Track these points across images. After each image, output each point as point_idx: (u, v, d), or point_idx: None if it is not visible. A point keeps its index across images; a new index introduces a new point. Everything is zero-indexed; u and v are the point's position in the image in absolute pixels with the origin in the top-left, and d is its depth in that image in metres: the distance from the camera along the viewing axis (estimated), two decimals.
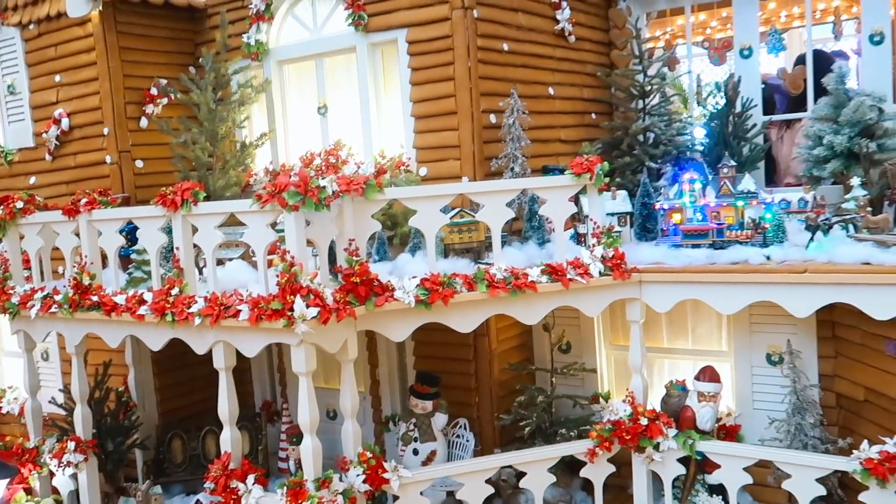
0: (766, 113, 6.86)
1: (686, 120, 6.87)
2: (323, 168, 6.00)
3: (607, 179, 5.05)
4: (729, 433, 5.32)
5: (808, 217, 5.10)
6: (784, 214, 5.40)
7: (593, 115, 7.04)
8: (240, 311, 4.37)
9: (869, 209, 5.11)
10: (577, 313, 5.47)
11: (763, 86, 6.96)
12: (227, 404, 4.78)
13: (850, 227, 4.89)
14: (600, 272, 4.89)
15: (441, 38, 5.61)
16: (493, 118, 5.73)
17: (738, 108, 6.46)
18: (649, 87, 6.69)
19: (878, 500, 4.43)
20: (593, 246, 4.97)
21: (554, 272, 4.82)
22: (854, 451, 4.49)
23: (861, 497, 4.49)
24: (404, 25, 5.79)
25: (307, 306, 4.18)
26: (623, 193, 5.69)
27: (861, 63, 6.54)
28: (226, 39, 6.16)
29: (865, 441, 4.48)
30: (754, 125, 6.49)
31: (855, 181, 5.28)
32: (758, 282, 4.66)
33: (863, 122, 5.59)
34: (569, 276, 4.82)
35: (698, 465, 5.17)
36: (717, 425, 5.32)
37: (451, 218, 5.16)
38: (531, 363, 6.12)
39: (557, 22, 6.52)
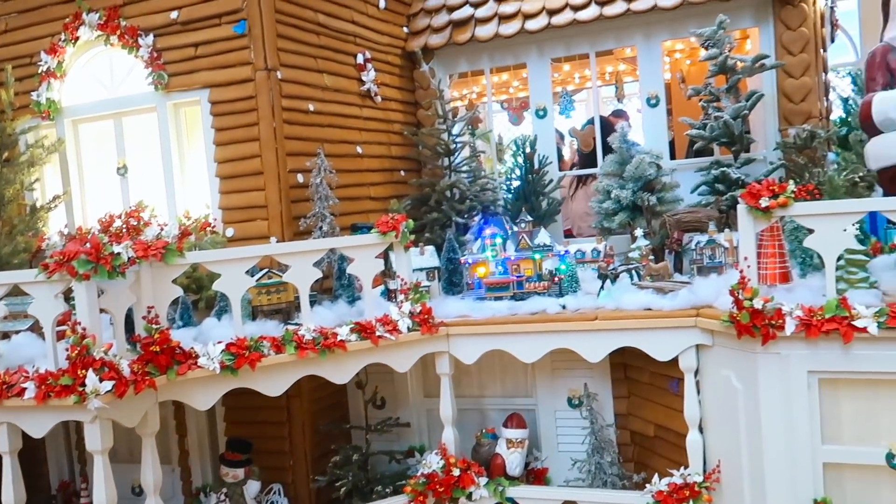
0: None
1: (489, 176, 7.19)
2: (123, 230, 5.75)
3: (413, 237, 5.19)
4: (537, 477, 5.54)
5: (600, 266, 5.49)
6: (579, 264, 5.78)
7: (402, 173, 7.23)
8: (25, 388, 4.08)
9: (651, 258, 5.58)
10: (390, 368, 5.53)
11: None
12: (12, 492, 4.40)
13: (635, 274, 5.30)
14: (409, 328, 4.99)
15: (245, 98, 5.59)
16: (300, 178, 5.75)
17: (536, 165, 6.86)
18: (454, 146, 6.98)
19: None
20: (401, 302, 5.07)
21: (363, 330, 4.87)
22: (647, 484, 4.83)
23: None
24: (207, 86, 5.73)
25: (101, 380, 3.97)
26: (431, 249, 5.86)
27: (642, 123, 7.14)
28: (11, 98, 5.81)
29: (656, 475, 4.82)
30: (551, 180, 6.90)
31: (638, 232, 5.75)
32: (555, 330, 4.92)
33: (644, 177, 6.09)
34: (378, 334, 4.88)
35: None
36: (525, 470, 5.55)
37: (258, 279, 5.10)
38: (346, 421, 6.09)
39: (363, 83, 6.68)
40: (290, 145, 5.69)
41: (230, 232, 5.69)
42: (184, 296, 4.87)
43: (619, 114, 8.49)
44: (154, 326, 4.36)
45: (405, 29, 7.47)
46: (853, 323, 3.99)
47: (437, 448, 5.29)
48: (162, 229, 5.60)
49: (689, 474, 4.71)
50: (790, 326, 4.11)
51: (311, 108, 5.96)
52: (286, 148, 5.64)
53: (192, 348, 4.50)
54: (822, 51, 6.66)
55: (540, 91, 7.31)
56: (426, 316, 5.05)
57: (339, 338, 4.77)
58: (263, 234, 5.58)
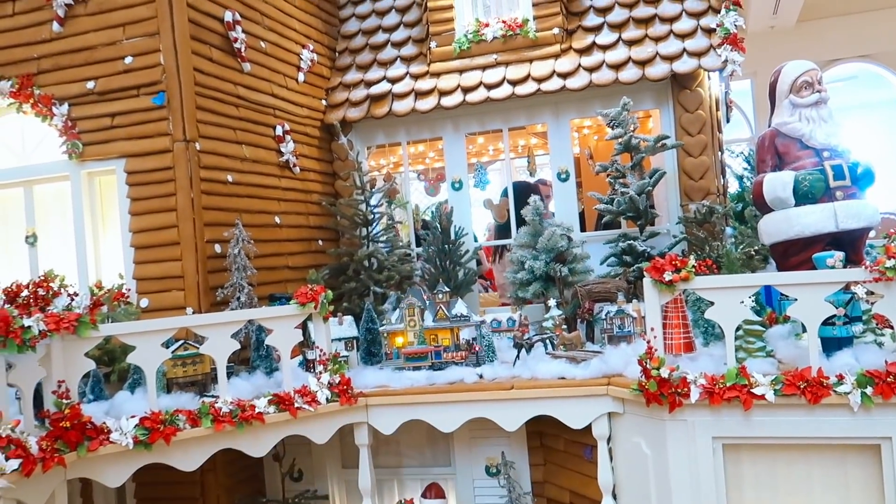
0: None
1: (407, 247, 7.33)
2: (31, 300, 5.60)
3: (332, 307, 5.24)
4: None
5: (515, 335, 5.65)
6: (496, 334, 5.93)
7: (320, 242, 7.29)
8: None
9: (564, 327, 5.78)
10: (307, 439, 5.49)
11: None
12: None
13: (549, 344, 5.47)
14: (327, 399, 5.00)
15: (162, 169, 5.59)
16: (218, 248, 5.74)
17: (452, 236, 7.03)
18: (371, 216, 7.10)
19: None
20: (320, 373, 5.08)
21: (281, 402, 4.85)
22: None
23: None
24: (123, 155, 5.71)
25: (7, 458, 3.83)
26: (349, 319, 5.91)
27: (553, 196, 7.44)
28: None
29: None
30: (467, 251, 7.07)
31: (552, 302, 5.95)
32: (473, 399, 5.02)
33: (556, 248, 6.33)
34: (296, 405, 4.87)
35: None
36: None
37: (173, 351, 5.04)
38: (262, 495, 5.98)
39: (282, 154, 6.76)
40: (208, 216, 5.69)
41: (144, 302, 5.60)
42: (95, 369, 4.77)
43: (544, 182, 8.80)
44: (64, 401, 4.25)
45: (324, 102, 7.62)
46: (752, 391, 4.23)
47: None
48: (73, 299, 5.49)
49: None
50: (695, 394, 4.32)
51: (230, 178, 5.99)
52: (204, 218, 5.64)
53: (104, 423, 4.39)
54: (717, 132, 7.12)
55: (455, 164, 7.55)
56: (345, 387, 5.08)
57: (256, 410, 4.74)
58: (179, 304, 5.52)
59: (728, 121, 9.19)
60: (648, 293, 4.50)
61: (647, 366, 4.41)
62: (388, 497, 5.93)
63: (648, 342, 4.47)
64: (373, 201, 7.10)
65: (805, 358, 4.34)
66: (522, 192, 7.91)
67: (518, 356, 5.32)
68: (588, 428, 4.89)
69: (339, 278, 6.88)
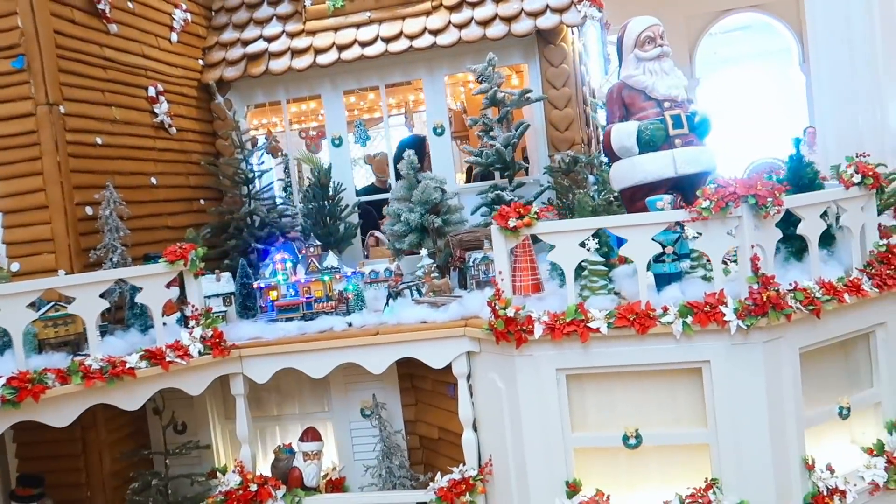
0: None
1: (288, 203, 7.49)
2: None
3: (203, 264, 5.39)
4: (336, 485, 5.84)
5: (389, 285, 5.94)
6: (374, 284, 6.21)
7: (202, 201, 7.36)
8: None
9: (436, 275, 6.07)
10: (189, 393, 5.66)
11: None
12: None
13: (415, 291, 5.77)
14: (200, 352, 5.19)
15: (26, 133, 5.56)
16: (89, 210, 5.79)
17: (331, 192, 7.22)
18: (252, 175, 7.22)
19: None
20: (192, 328, 5.26)
21: (153, 356, 5.01)
22: (431, 483, 5.28)
23: None
24: None
25: None
26: (227, 275, 6.07)
27: (431, 149, 7.69)
28: None
29: (440, 473, 5.28)
30: (347, 206, 7.27)
31: (423, 252, 6.23)
32: (341, 346, 5.28)
33: (430, 201, 6.59)
34: (168, 359, 5.05)
35: None
36: (324, 480, 5.85)
37: (44, 312, 5.13)
38: (148, 448, 6.14)
39: (156, 115, 6.79)
40: (77, 178, 5.72)
41: (16, 266, 5.62)
42: None
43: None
44: None
45: (200, 62, 7.64)
46: (588, 325, 4.62)
47: (234, 466, 5.49)
48: None
49: (465, 470, 5.19)
50: (538, 330, 4.68)
51: (100, 141, 6.01)
52: (73, 181, 5.67)
53: None
54: (581, 84, 7.46)
55: (335, 121, 7.71)
56: (217, 340, 5.27)
57: (127, 365, 4.89)
58: (52, 267, 5.56)
59: (607, 73, 9.60)
60: (496, 239, 4.83)
61: (496, 306, 4.75)
62: (271, 442, 6.17)
63: (496, 285, 4.80)
64: (252, 160, 7.22)
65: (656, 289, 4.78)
66: (419, 145, 8.14)
67: (387, 303, 5.61)
68: (449, 367, 5.22)
69: (221, 236, 7.02)
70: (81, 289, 4.90)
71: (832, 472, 4.80)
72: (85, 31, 6.01)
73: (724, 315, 4.44)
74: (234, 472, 5.45)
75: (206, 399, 6.09)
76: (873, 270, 4.95)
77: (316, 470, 5.60)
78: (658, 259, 4.89)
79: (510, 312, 4.70)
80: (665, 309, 4.57)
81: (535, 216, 4.74)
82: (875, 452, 5.03)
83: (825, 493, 4.67)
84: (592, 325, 4.61)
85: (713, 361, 4.55)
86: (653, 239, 4.80)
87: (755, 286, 4.45)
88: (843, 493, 4.73)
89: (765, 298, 4.39)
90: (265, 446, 6.10)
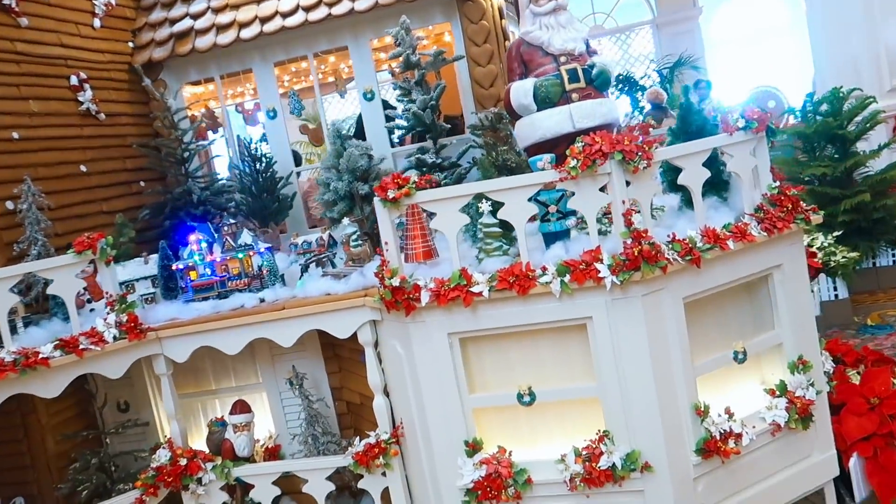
0: None
1: (223, 179, 7.60)
2: None
3: (114, 252, 5.54)
4: (272, 454, 6.06)
5: (309, 257, 6.03)
6: (307, 254, 6.28)
7: (141, 183, 7.50)
8: None
9: (357, 243, 6.14)
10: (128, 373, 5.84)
11: None
12: None
13: (329, 263, 5.87)
14: (115, 337, 5.36)
15: None
16: (10, 205, 5.95)
17: (264, 166, 7.30)
18: (187, 153, 7.33)
19: (371, 484, 5.43)
20: (107, 314, 5.43)
21: (66, 345, 5.20)
22: (349, 447, 5.46)
23: (360, 484, 5.47)
24: None
25: None
26: (154, 257, 6.23)
27: (362, 115, 7.71)
28: None
29: (357, 438, 5.45)
30: (281, 178, 7.35)
31: (345, 220, 6.30)
32: (252, 323, 5.43)
33: (357, 168, 6.64)
34: (82, 347, 5.23)
35: (244, 489, 5.84)
36: (262, 448, 6.06)
37: None
38: (96, 428, 6.39)
39: (81, 103, 6.90)
40: None
41: None
42: None
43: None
44: None
45: (131, 44, 7.70)
46: (471, 289, 4.69)
47: (163, 442, 5.71)
48: None
49: (379, 434, 5.35)
50: (425, 298, 4.77)
51: (16, 135, 6.14)
52: None
53: None
54: (504, 40, 7.40)
55: (267, 94, 7.76)
56: (133, 324, 5.44)
57: (41, 356, 5.08)
58: None
59: None
60: (378, 210, 4.90)
61: (382, 276, 4.84)
62: (212, 415, 6.38)
63: (382, 255, 4.89)
64: (186, 139, 7.32)
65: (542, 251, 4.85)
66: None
67: (301, 276, 5.73)
68: (356, 336, 5.35)
69: (159, 217, 7.17)
70: None
71: (730, 415, 4.88)
72: None
73: (600, 272, 4.48)
74: (163, 448, 5.67)
75: (145, 377, 6.31)
76: (762, 215, 4.94)
77: (246, 440, 5.80)
78: (544, 218, 4.93)
79: (396, 282, 4.79)
80: (544, 269, 4.62)
81: (414, 186, 4.79)
82: (777, 393, 5.08)
83: (718, 438, 4.75)
84: (475, 289, 4.68)
85: (595, 317, 4.62)
86: (537, 199, 4.84)
87: (629, 241, 4.48)
88: (738, 436, 4.82)
89: (636, 253, 4.42)
90: (203, 419, 6.32)
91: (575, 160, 4.48)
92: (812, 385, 5.09)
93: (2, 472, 5.86)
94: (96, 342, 5.29)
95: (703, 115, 5.17)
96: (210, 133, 8.44)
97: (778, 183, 5.05)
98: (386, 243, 4.92)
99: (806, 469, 5.21)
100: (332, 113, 10.36)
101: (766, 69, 15.53)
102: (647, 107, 11.41)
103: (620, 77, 14.48)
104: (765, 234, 4.88)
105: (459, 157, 6.78)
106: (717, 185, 5.16)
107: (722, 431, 4.78)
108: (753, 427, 4.93)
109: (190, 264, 5.90)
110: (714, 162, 5.04)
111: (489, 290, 4.66)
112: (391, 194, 4.78)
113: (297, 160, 9.03)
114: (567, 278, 4.56)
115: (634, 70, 15.33)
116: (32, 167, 6.19)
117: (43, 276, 5.34)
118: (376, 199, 4.89)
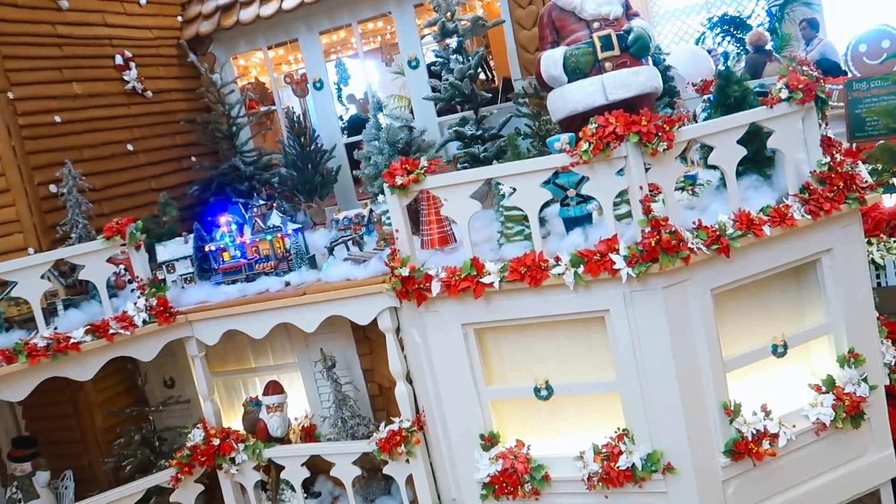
0: None
1: (273, 153, 7.55)
2: None
3: (144, 235, 5.59)
4: (308, 433, 6.07)
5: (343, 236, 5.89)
6: (347, 231, 6.14)
7: (193, 158, 7.55)
8: None
9: (386, 220, 5.95)
10: (168, 349, 5.93)
11: None
12: None
13: (358, 245, 5.71)
14: (145, 321, 5.44)
15: None
16: (53, 188, 6.08)
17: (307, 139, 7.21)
18: (234, 128, 7.33)
19: (396, 471, 5.36)
20: (138, 298, 5.51)
21: (97, 330, 5.31)
22: (375, 433, 5.38)
23: (385, 470, 5.41)
24: None
25: None
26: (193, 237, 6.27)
27: (408, 84, 7.48)
28: None
29: (382, 424, 5.37)
30: (325, 152, 7.25)
31: (381, 197, 6.14)
32: (275, 308, 5.38)
33: (397, 141, 6.47)
34: (112, 331, 5.33)
35: (278, 469, 5.89)
36: (299, 427, 6.09)
37: (8, 292, 5.51)
38: (145, 404, 6.57)
39: (127, 82, 6.96)
40: (37, 159, 6.00)
41: None
42: None
43: None
44: None
45: (180, 18, 7.71)
46: (481, 280, 4.46)
47: (197, 422, 5.81)
48: None
49: (402, 421, 5.25)
50: (436, 288, 4.59)
51: (59, 119, 6.24)
52: (32, 162, 5.95)
53: None
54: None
55: (314, 64, 7.63)
56: (162, 308, 5.50)
57: (72, 341, 5.21)
58: (21, 246, 5.90)
59: None
60: (388, 197, 4.71)
61: (392, 265, 4.67)
62: (252, 393, 6.44)
63: (393, 244, 4.71)
64: (233, 113, 7.31)
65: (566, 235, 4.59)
66: None
67: (327, 258, 5.62)
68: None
69: (208, 192, 7.22)
70: (23, 273, 5.19)
71: (767, 413, 4.52)
72: (31, 13, 6.18)
73: (615, 263, 4.17)
74: (198, 427, 5.77)
75: (187, 355, 6.41)
76: (808, 195, 4.46)
77: (279, 421, 5.83)
78: (564, 202, 4.62)
79: (405, 272, 4.62)
80: (557, 259, 4.34)
81: (423, 171, 4.57)
82: (823, 389, 4.66)
83: (750, 438, 4.40)
84: (486, 280, 4.46)
85: (612, 310, 4.32)
86: (555, 183, 4.54)
87: (647, 230, 4.13)
88: (774, 436, 4.45)
89: (653, 243, 4.07)
90: (239, 398, 6.39)
91: (587, 143, 4.14)
92: (865, 380, 4.64)
93: (53, 446, 6.11)
94: (126, 326, 5.38)
95: (744, 84, 4.67)
96: (260, 106, 8.40)
97: (828, 159, 4.53)
98: (396, 231, 4.74)
99: (858, 469, 4.79)
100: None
101: (890, 5, 14.22)
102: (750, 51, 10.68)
103: (725, 18, 13.70)
104: (809, 217, 4.41)
105: (501, 128, 6.48)
106: (760, 161, 4.69)
107: (755, 431, 4.43)
108: (794, 426, 4.56)
109: (222, 246, 5.89)
110: (756, 136, 4.58)
111: (500, 282, 4.43)
112: (399, 180, 4.58)
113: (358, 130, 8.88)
114: (581, 270, 4.26)
115: (744, 7, 14.40)
116: (77, 149, 6.30)
117: (74, 261, 5.45)
118: (385, 186, 4.70)
